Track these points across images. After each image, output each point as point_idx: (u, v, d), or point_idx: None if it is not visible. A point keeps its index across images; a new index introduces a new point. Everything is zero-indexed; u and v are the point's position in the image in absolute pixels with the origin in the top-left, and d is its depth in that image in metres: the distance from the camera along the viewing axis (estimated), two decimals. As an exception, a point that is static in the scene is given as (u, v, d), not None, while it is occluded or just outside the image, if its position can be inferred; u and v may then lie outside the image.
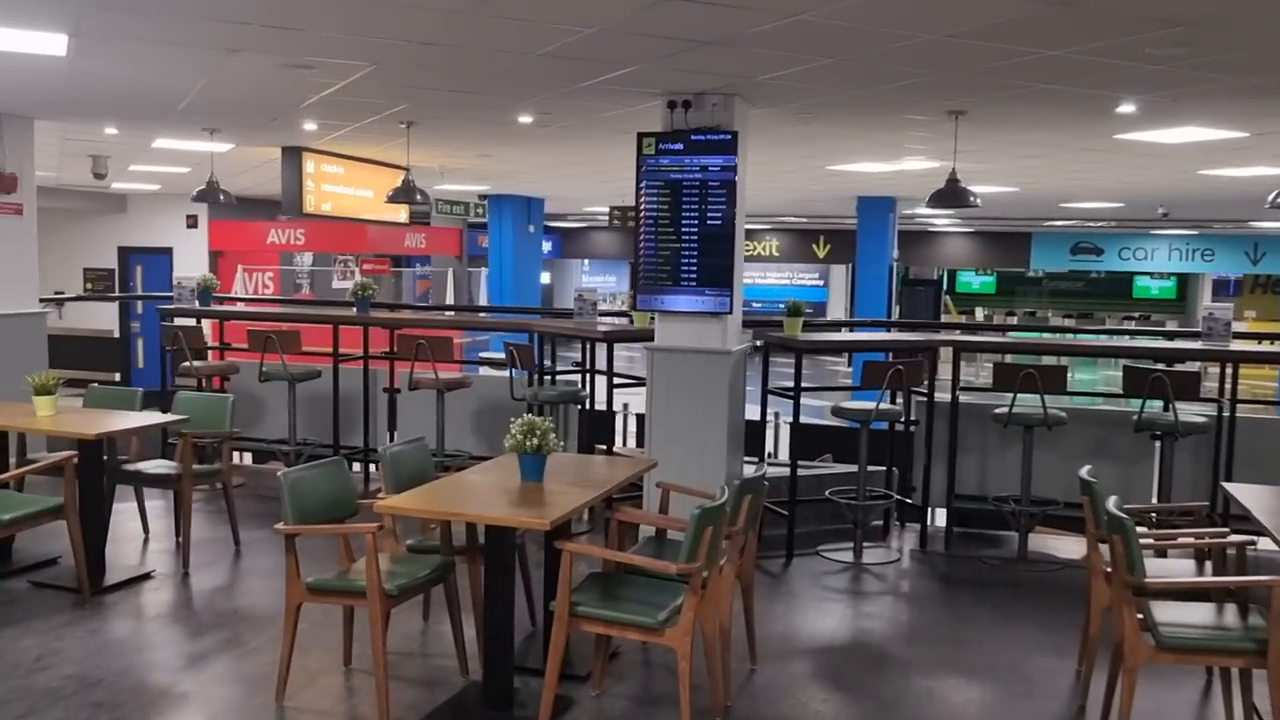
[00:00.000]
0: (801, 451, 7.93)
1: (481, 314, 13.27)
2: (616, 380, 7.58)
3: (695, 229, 6.39)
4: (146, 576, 6.01)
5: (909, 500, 7.37)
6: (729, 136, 6.29)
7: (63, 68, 5.91)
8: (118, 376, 16.74)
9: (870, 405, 6.66)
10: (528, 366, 7.37)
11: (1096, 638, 4.53)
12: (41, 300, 12.59)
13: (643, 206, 6.50)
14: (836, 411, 6.84)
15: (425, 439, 5.27)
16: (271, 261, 18.67)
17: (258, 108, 7.47)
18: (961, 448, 7.23)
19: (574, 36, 4.89)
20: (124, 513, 6.82)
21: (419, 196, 8.73)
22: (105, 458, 6.25)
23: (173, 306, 8.89)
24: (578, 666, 4.65)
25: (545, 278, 31.07)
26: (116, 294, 18.30)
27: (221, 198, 9.14)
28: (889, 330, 11.00)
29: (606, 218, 16.81)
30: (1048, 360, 7.79)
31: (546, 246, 25.95)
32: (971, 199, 7.21)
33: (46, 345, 8.50)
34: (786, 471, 7.19)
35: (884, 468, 7.49)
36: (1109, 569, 4.16)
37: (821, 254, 23.94)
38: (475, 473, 4.88)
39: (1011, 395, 6.60)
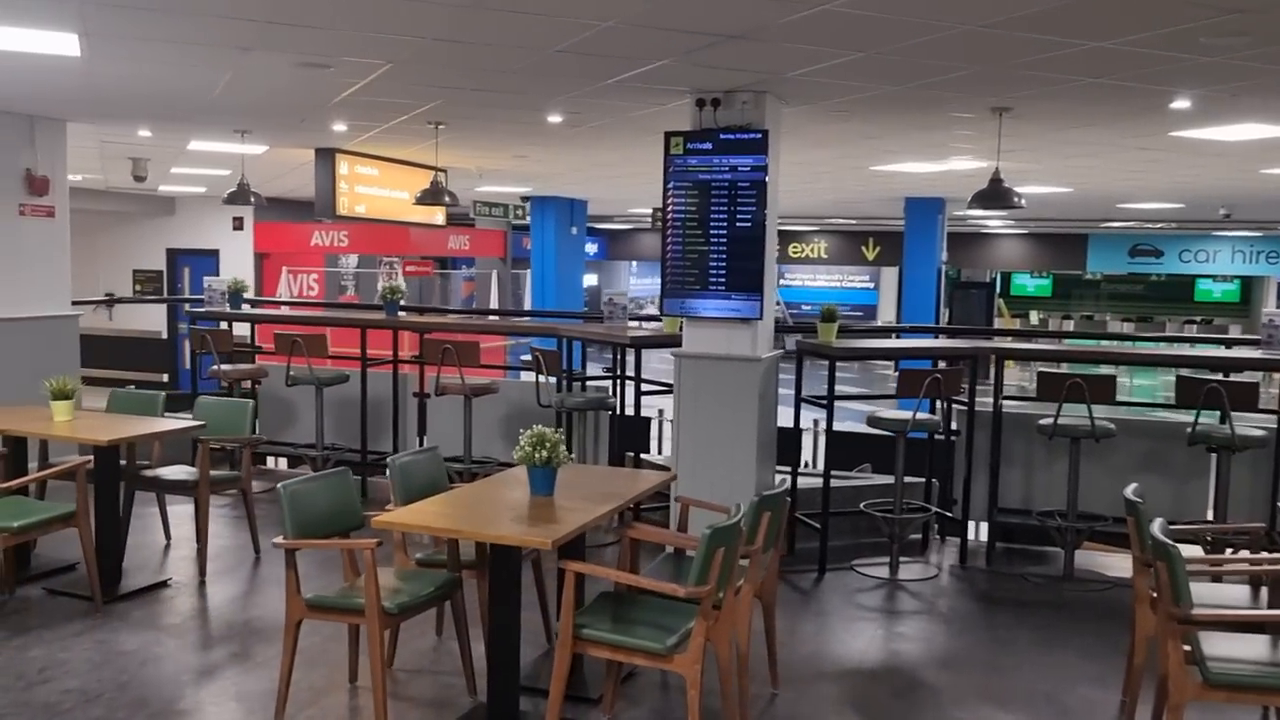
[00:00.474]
0: (838, 461, 7.69)
1: (512, 318, 13.16)
2: (650, 387, 7.39)
3: (724, 231, 6.17)
4: (163, 585, 5.92)
5: (949, 514, 7.08)
6: (759, 135, 6.06)
7: (81, 68, 5.84)
8: (165, 377, 16.90)
9: (907, 415, 6.40)
10: (554, 372, 7.19)
11: (1142, 668, 4.24)
12: (91, 302, 12.73)
13: (670, 208, 6.29)
14: (872, 421, 6.57)
15: (439, 448, 5.11)
16: (316, 264, 18.72)
17: (284, 109, 7.37)
18: (1005, 459, 6.92)
19: (590, 31, 4.69)
20: (148, 518, 6.75)
21: (448, 198, 8.59)
22: (124, 463, 6.20)
23: (202, 310, 8.83)
24: (590, 688, 4.46)
25: (592, 280, 31.05)
26: (159, 296, 18.47)
27: (253, 199, 9.07)
28: (935, 336, 10.67)
29: (650, 219, 16.62)
30: (1103, 368, 7.45)
31: (592, 248, 25.86)
32: (1016, 199, 6.90)
33: (78, 348, 8.48)
34: (821, 482, 6.96)
35: (923, 479, 7.21)
36: (1155, 594, 3.88)
37: (871, 256, 23.55)
38: (486, 485, 4.70)
39: (1057, 405, 6.29)
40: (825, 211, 20.51)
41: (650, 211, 16.24)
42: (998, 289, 26.92)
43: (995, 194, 6.87)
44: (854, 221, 22.59)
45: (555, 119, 7.55)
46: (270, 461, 9.33)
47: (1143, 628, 4.21)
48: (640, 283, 34.38)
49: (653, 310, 33.14)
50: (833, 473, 6.94)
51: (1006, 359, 6.83)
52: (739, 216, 6.14)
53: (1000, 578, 6.52)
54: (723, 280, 6.21)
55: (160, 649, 5.00)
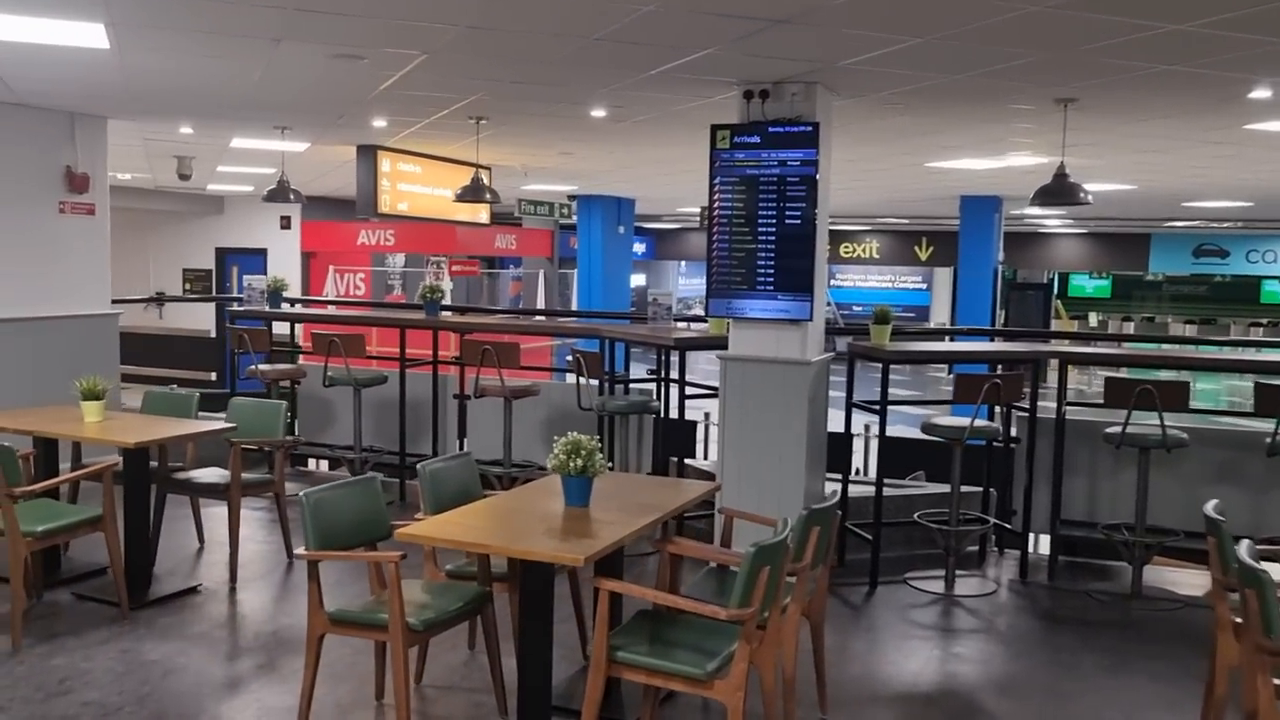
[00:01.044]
0: (891, 468, 7.39)
1: (554, 319, 12.97)
2: (696, 390, 7.14)
3: (773, 229, 5.90)
4: (193, 590, 5.78)
5: (1008, 525, 6.75)
6: (809, 129, 5.78)
7: (114, 62, 5.72)
8: (214, 376, 16.94)
9: (963, 422, 6.08)
10: (595, 375, 6.96)
11: (1224, 701, 3.91)
12: (131, 301, 12.73)
13: (716, 204, 6.03)
14: (927, 429, 6.26)
15: (471, 454, 4.90)
16: (363, 263, 18.70)
17: (322, 104, 7.22)
18: (1068, 469, 6.58)
19: (631, 17, 4.45)
20: (182, 520, 6.62)
21: (489, 195, 8.40)
22: (155, 465, 6.08)
23: (242, 309, 8.72)
24: (626, 711, 4.21)
25: (640, 280, 30.83)
26: (201, 295, 18.54)
27: (293, 197, 8.95)
28: (991, 339, 10.29)
29: (698, 219, 16.34)
30: (1166, 374, 7.07)
31: (640, 248, 25.65)
32: (1082, 195, 6.55)
33: (118, 347, 8.41)
34: (872, 490, 6.68)
35: (981, 489, 6.88)
36: (1238, 621, 3.56)
37: (924, 256, 23.08)
38: (520, 494, 4.48)
39: (1126, 413, 5.94)
40: (877, 210, 20.11)
41: (698, 210, 15.96)
42: (1055, 290, 26.31)
43: (1060, 190, 6.53)
44: (906, 221, 22.15)
45: (599, 113, 7.32)
46: (311, 464, 9.22)
47: (1224, 657, 3.88)
48: (689, 283, 34.10)
49: (700, 311, 32.88)
50: (885, 481, 6.65)
51: (1070, 363, 6.49)
52: (788, 213, 5.87)
53: (1063, 594, 6.18)
54: (771, 280, 5.94)
55: (184, 659, 4.84)
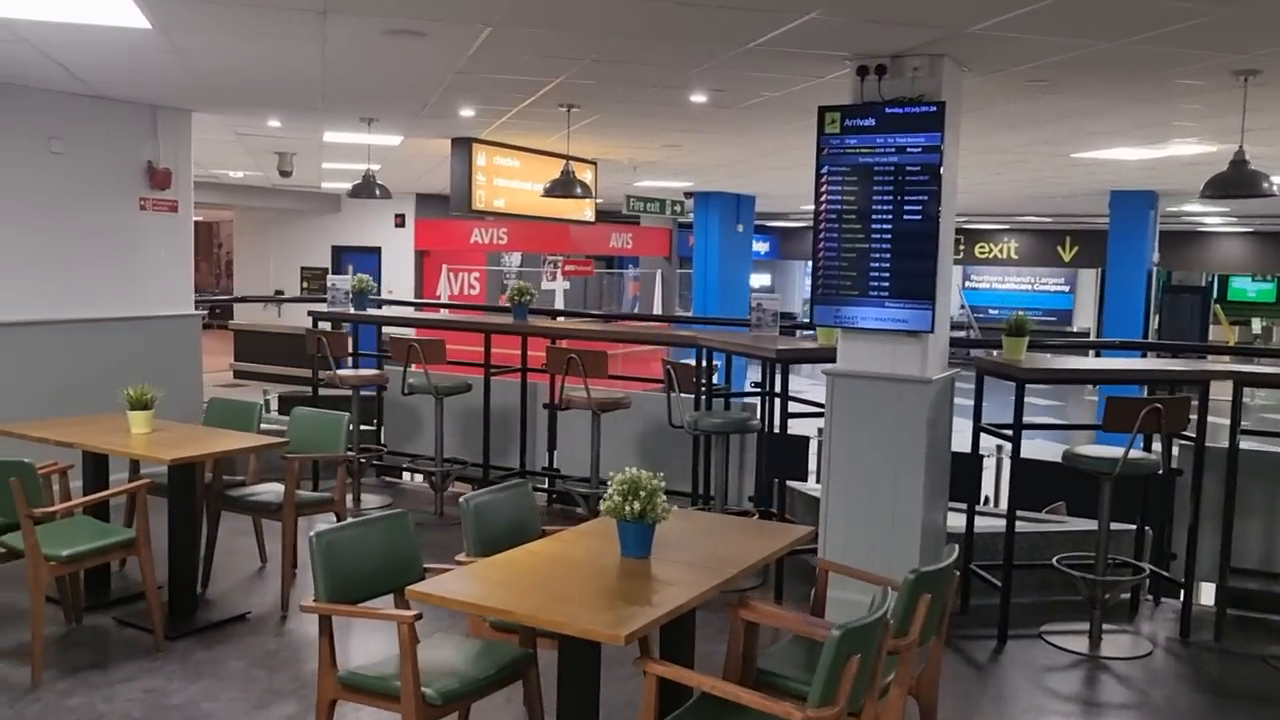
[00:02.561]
0: (1026, 497, 6.48)
1: (650, 325, 12.31)
2: (803, 408, 6.40)
3: (889, 226, 5.10)
4: (240, 619, 5.32)
5: (1166, 573, 5.78)
6: (934, 109, 4.96)
7: (162, 44, 5.30)
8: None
9: (1115, 452, 5.17)
10: (688, 389, 6.25)
11: None
12: (211, 301, 12.56)
13: (824, 197, 5.26)
14: (1070, 459, 5.35)
15: (527, 483, 4.27)
16: (477, 262, 18.40)
17: (397, 91, 6.72)
18: (1241, 508, 5.56)
19: (714, -28, 3.75)
20: (243, 536, 6.20)
21: (580, 189, 7.79)
22: (210, 479, 5.65)
23: (325, 310, 8.31)
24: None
25: (765, 279, 29.96)
26: (318, 295, 18.50)
27: (378, 192, 8.51)
28: (1144, 355, 9.13)
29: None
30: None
31: (763, 247, 24.82)
32: (1265, 185, 5.54)
33: (200, 350, 8.11)
34: (1003, 524, 5.82)
35: (1133, 526, 5.94)
36: None
37: (1067, 257, 21.60)
38: (577, 537, 3.82)
39: (1316, 447, 4.95)
40: (1016, 208, 18.81)
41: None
42: (1214, 293, 24.41)
43: (1239, 179, 5.53)
44: (1048, 219, 20.74)
45: (699, 98, 6.63)
46: (406, 476, 8.76)
47: None
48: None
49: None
50: (1019, 514, 5.77)
51: (1246, 385, 5.48)
52: (907, 208, 5.06)
53: (1232, 659, 5.21)
54: (886, 285, 5.14)
55: (212, 704, 4.34)
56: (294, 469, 5.48)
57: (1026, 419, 5.53)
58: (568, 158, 8.27)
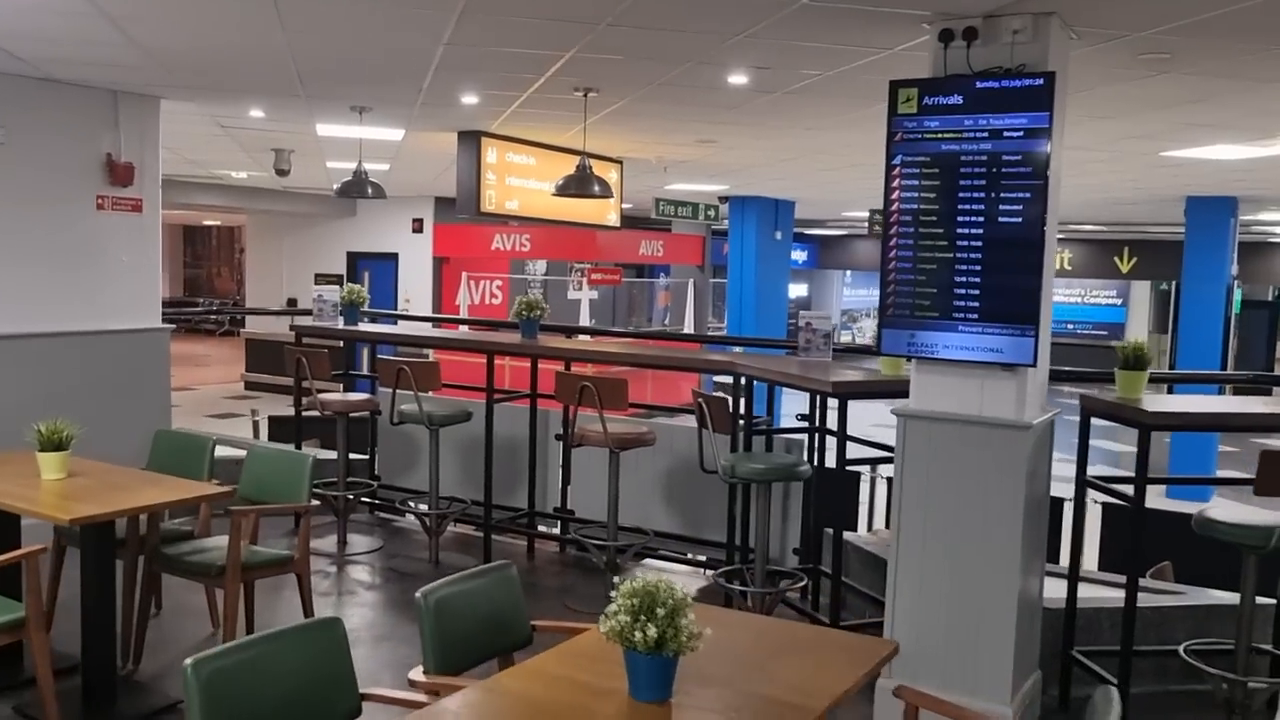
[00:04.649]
0: (1116, 553, 5.44)
1: (681, 347, 11.25)
2: (863, 452, 5.35)
3: (980, 230, 4.04)
4: (172, 708, 4.33)
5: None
6: (1039, 82, 3.90)
7: (92, 9, 4.34)
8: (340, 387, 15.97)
9: (1263, 518, 4.08)
10: (723, 428, 5.18)
11: None
12: (176, 312, 11.63)
13: (896, 195, 4.21)
14: (1203, 526, 4.25)
15: (512, 566, 3.24)
16: (500, 269, 17.44)
17: (383, 70, 5.74)
18: None
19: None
20: (193, 594, 5.22)
21: (598, 187, 6.77)
22: (145, 534, 4.68)
23: (309, 324, 7.34)
24: None
25: (802, 290, 28.82)
26: (274, 309, 17.60)
27: (370, 191, 7.54)
28: (1221, 390, 7.90)
29: (866, 224, 14.32)
30: None
31: (801, 256, 23.69)
32: None
33: (169, 367, 7.14)
34: (1108, 593, 4.78)
35: (1273, 600, 4.82)
36: None
37: (1125, 269, 20.33)
38: (574, 655, 2.77)
39: None
40: (1073, 215, 17.56)
41: (867, 215, 13.97)
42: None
43: None
44: (1105, 227, 19.45)
45: (739, 79, 5.59)
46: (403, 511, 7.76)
47: None
48: (854, 293, 31.87)
49: (869, 330, 30.58)
50: (1106, 578, 4.72)
51: None
52: (1004, 207, 4.00)
53: None
54: (975, 305, 4.08)
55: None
56: (239, 524, 4.48)
57: (1151, 479, 4.41)
58: (584, 154, 7.25)
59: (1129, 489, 4.47)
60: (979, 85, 3.99)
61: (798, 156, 9.41)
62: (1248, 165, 8.72)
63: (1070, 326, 26.29)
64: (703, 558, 6.32)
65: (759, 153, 9.26)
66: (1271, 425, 4.52)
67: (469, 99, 6.50)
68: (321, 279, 17.98)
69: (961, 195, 4.06)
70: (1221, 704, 4.25)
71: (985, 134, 4.00)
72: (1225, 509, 4.34)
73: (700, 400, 5.18)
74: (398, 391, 6.30)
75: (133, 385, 6.78)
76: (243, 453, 6.12)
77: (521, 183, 8.38)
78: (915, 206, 4.16)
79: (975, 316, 4.08)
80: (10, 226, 6.19)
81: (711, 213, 14.04)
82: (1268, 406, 4.92)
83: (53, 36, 5.12)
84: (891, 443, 5.35)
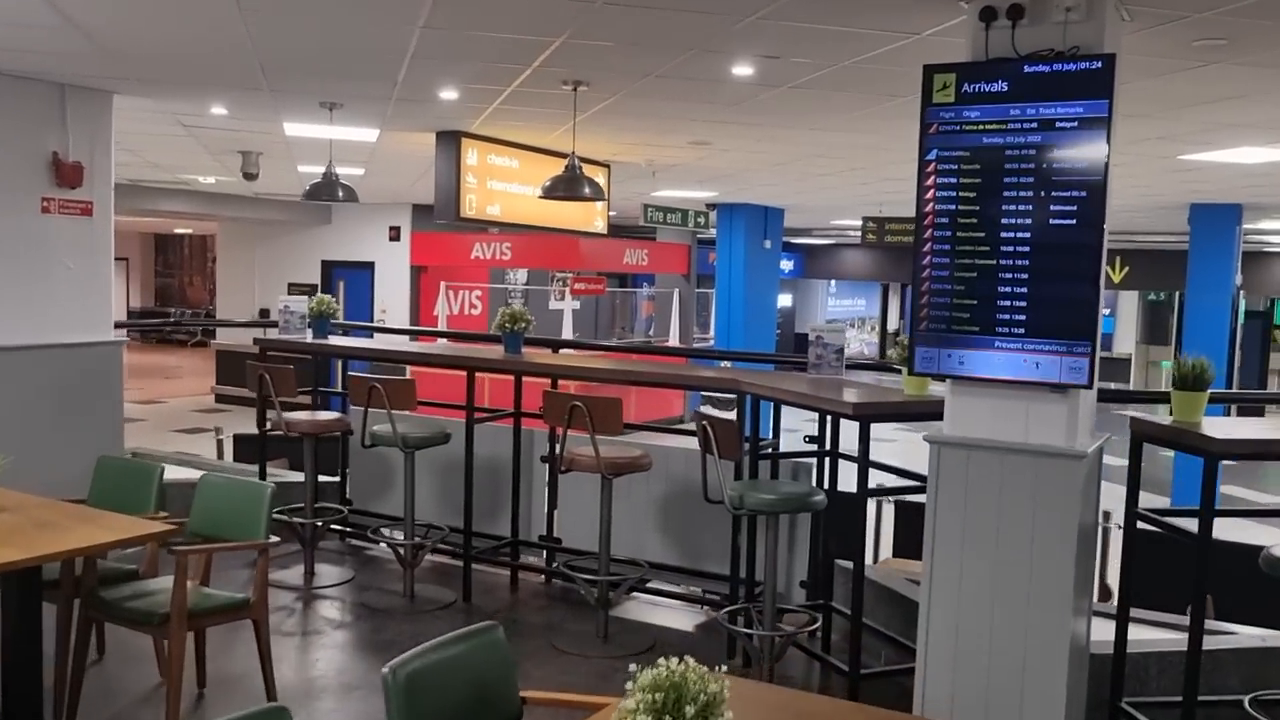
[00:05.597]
0: (1147, 586, 5.00)
1: (681, 363, 10.77)
2: (879, 480, 4.87)
3: (1027, 234, 3.58)
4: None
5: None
6: (1097, 65, 3.44)
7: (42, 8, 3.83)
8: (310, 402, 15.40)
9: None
10: (729, 455, 4.68)
11: None
12: (133, 325, 11.05)
13: (930, 196, 3.73)
14: (1272, 564, 3.79)
15: (499, 627, 2.73)
16: (480, 279, 16.91)
17: (353, 60, 5.24)
18: None
19: None
20: (139, 642, 4.68)
21: (588, 188, 6.28)
22: (80, 577, 4.14)
23: (275, 337, 6.80)
24: None
25: (786, 299, 28.40)
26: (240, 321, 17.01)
27: (341, 194, 7.03)
28: (1226, 410, 7.48)
29: (859, 233, 13.85)
30: None
31: (787, 265, 23.27)
32: None
33: (121, 383, 6.60)
34: (1150, 633, 4.33)
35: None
36: None
37: (1117, 278, 20.03)
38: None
39: None
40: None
41: (860, 223, 13.52)
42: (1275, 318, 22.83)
43: None
44: (1098, 236, 19.11)
45: (742, 70, 5.12)
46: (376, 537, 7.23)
47: None
48: (839, 303, 31.51)
49: (855, 334, 30.14)
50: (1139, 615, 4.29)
51: None
52: (1054, 208, 3.54)
53: None
54: (1021, 319, 3.61)
55: None
56: (184, 564, 3.94)
57: (1219, 511, 3.94)
58: (574, 158, 6.75)
59: (1181, 520, 4.03)
60: (1027, 69, 3.53)
61: (795, 160, 8.95)
62: (1264, 170, 8.33)
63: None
64: (699, 590, 5.85)
65: (754, 156, 8.79)
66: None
67: (448, 94, 6.00)
68: (295, 289, 17.39)
69: (1006, 194, 3.59)
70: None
71: (1034, 125, 3.53)
72: (1295, 546, 3.88)
73: (704, 424, 4.68)
74: (370, 411, 5.77)
75: (80, 404, 6.25)
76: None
77: (504, 186, 7.89)
78: (953, 208, 3.68)
79: (1021, 331, 3.61)
80: (-57, 231, 5.66)
81: (700, 219, 13.58)
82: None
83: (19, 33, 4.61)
84: (898, 464, 4.91)
